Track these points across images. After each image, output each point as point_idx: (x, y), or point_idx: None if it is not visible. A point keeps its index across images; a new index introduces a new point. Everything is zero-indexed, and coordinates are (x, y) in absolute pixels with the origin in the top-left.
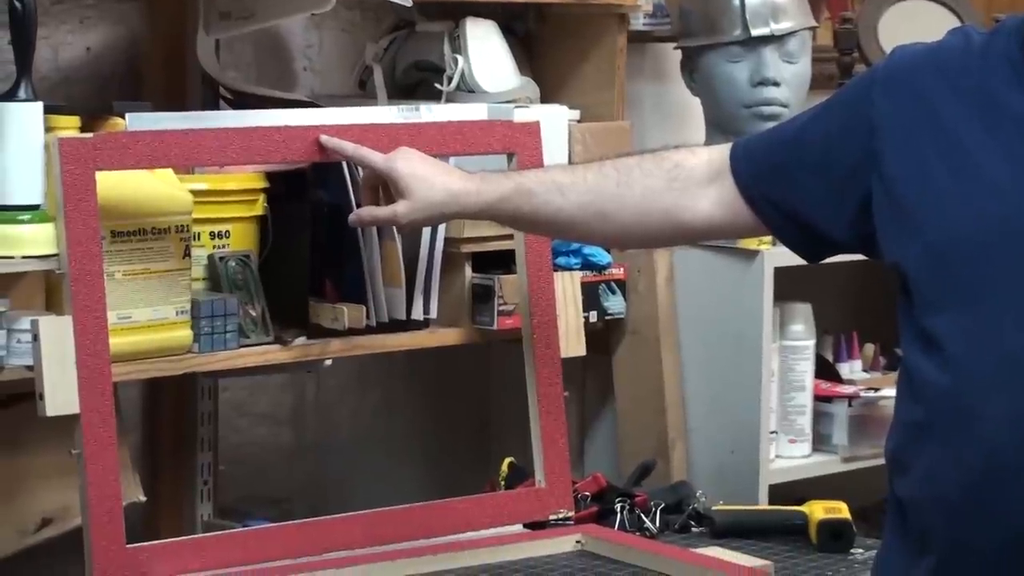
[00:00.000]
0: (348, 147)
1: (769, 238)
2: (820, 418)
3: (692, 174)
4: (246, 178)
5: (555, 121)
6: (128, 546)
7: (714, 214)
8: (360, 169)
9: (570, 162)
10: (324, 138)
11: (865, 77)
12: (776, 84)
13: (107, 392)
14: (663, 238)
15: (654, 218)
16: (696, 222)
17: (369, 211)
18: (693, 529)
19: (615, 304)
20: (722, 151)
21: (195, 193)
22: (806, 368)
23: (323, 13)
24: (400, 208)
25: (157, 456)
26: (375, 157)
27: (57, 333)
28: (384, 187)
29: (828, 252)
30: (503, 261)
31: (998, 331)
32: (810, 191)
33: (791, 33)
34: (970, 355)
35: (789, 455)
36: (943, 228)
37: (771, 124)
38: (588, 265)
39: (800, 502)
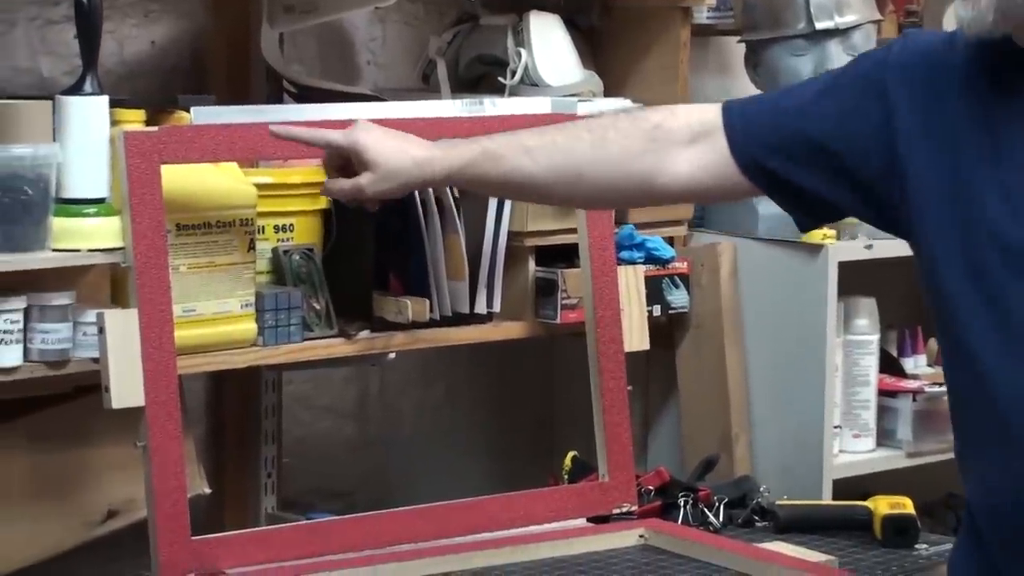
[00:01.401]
0: (303, 132)
1: (834, 232)
2: (884, 413)
3: (671, 135)
4: (310, 171)
5: None
6: (193, 538)
7: (694, 176)
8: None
9: None
10: (275, 128)
11: (877, 58)
12: None
13: (172, 385)
14: (637, 199)
15: (631, 180)
16: (674, 184)
17: (333, 182)
18: (757, 524)
19: (679, 298)
20: (707, 112)
21: (259, 186)
22: (870, 363)
23: (387, 7)
24: (363, 180)
25: (221, 449)
26: (334, 134)
27: (123, 326)
28: (349, 164)
29: (828, 219)
30: (566, 255)
31: None
32: (818, 165)
33: (856, 26)
34: (1006, 368)
35: (853, 450)
36: (971, 231)
37: None
38: (651, 259)
39: (864, 497)
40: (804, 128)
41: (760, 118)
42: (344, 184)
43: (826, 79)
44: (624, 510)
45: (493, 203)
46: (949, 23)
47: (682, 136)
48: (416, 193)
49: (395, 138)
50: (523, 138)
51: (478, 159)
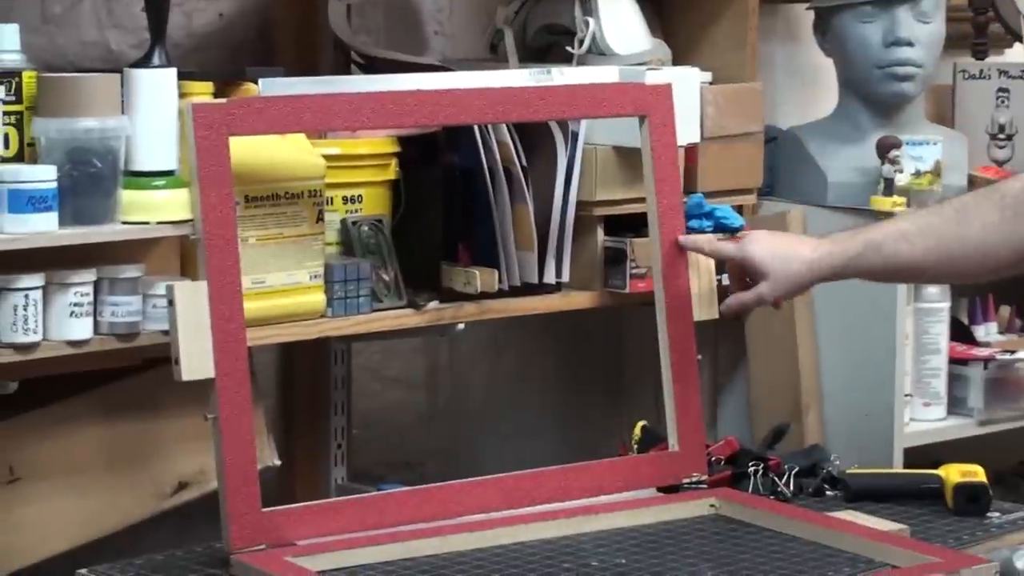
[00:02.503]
0: (703, 243)
1: (903, 199)
2: (955, 381)
3: (1020, 197)
4: (378, 143)
5: (687, 83)
6: (263, 509)
7: None
8: (492, 132)
9: (701, 125)
10: (682, 239)
11: None
12: (910, 44)
13: (242, 356)
14: (1010, 267)
15: (998, 251)
16: None
17: (736, 299)
18: (827, 493)
19: None
20: None
21: (328, 158)
22: (941, 331)
23: None
24: (763, 289)
25: (291, 420)
26: (728, 248)
27: (192, 298)
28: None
29: None
30: (635, 224)
31: None
32: None
33: None
34: None
35: (924, 418)
36: None
37: (905, 85)
38: (720, 228)
39: (935, 465)
40: None
41: None
42: (746, 298)
43: None
44: (694, 480)
45: (561, 172)
46: None
47: None
48: (484, 162)
49: (784, 244)
50: (899, 224)
51: (863, 251)
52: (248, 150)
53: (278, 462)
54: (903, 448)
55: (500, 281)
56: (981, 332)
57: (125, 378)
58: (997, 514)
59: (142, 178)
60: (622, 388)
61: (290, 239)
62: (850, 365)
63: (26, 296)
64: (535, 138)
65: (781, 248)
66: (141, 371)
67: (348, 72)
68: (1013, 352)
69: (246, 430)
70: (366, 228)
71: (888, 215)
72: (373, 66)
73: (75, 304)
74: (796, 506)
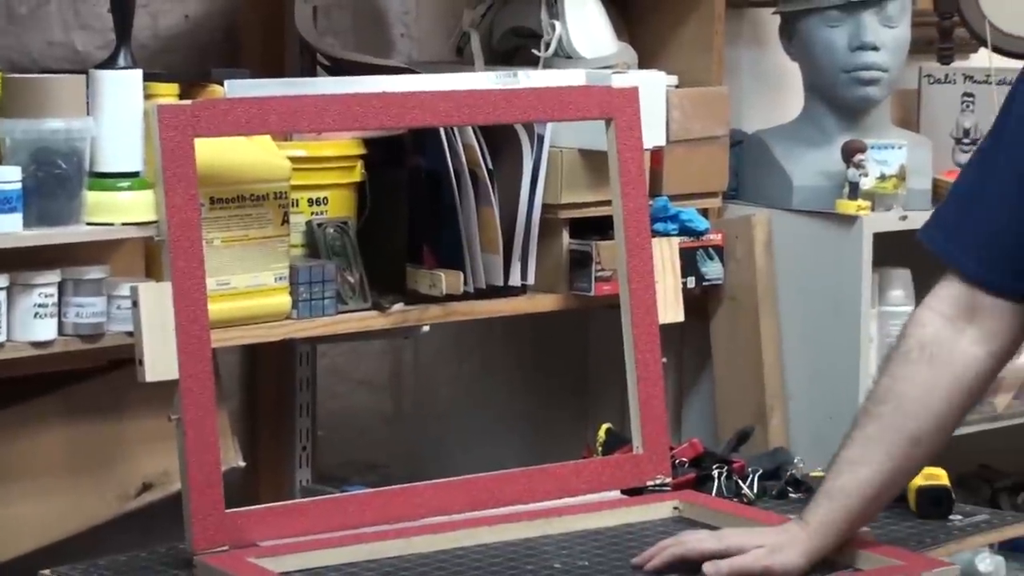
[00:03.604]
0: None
1: (868, 203)
2: None
3: (939, 340)
4: (344, 145)
5: (653, 87)
6: (227, 511)
7: (991, 347)
8: (458, 135)
9: (667, 129)
10: (709, 571)
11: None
12: (875, 48)
13: (206, 358)
14: (971, 404)
15: (949, 403)
16: (985, 368)
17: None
18: (791, 495)
19: (713, 270)
20: (948, 289)
21: (293, 160)
22: None
23: None
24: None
25: (256, 422)
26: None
27: (156, 299)
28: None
29: None
30: (600, 227)
31: None
32: None
33: None
34: None
35: None
36: None
37: (870, 89)
38: (686, 231)
39: None
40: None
41: (1005, 249)
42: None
43: (989, 143)
44: (658, 482)
45: (527, 175)
46: None
47: (948, 333)
48: (450, 164)
49: (787, 549)
50: (843, 455)
51: (832, 507)
52: (213, 152)
53: (242, 463)
54: None
55: (465, 283)
56: None
57: (89, 379)
58: (959, 517)
59: (107, 179)
60: (587, 390)
61: (255, 241)
62: (814, 368)
63: None
64: (501, 141)
65: (791, 557)
66: (105, 372)
67: (314, 74)
68: None
69: (210, 431)
70: (331, 230)
71: (853, 219)
72: (339, 68)
73: (39, 305)
74: (760, 509)
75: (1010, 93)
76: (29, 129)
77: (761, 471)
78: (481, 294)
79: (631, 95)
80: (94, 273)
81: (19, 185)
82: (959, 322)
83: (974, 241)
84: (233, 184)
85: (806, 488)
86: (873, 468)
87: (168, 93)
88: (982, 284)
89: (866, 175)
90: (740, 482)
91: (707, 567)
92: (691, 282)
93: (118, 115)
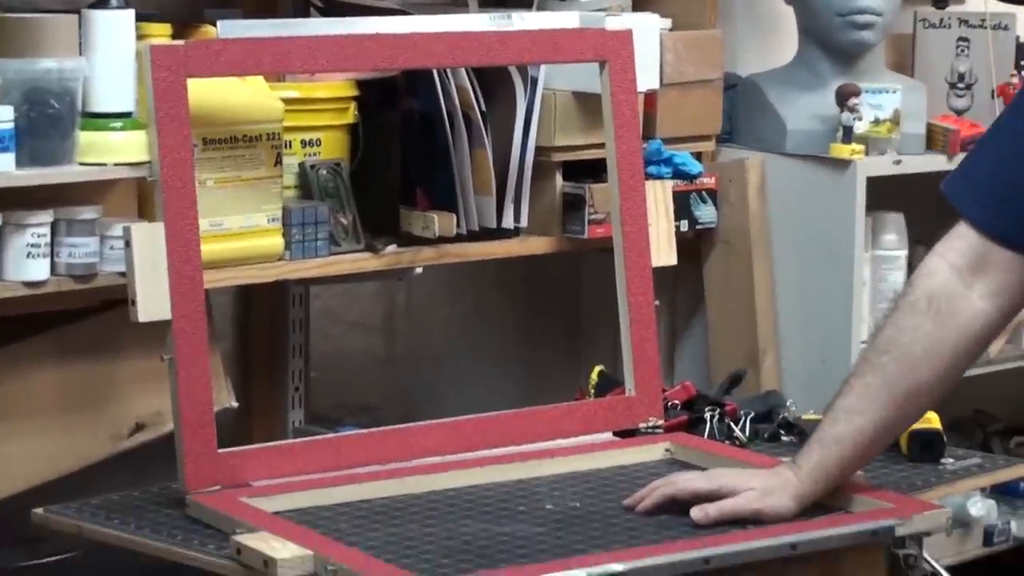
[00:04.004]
0: (724, 516)
1: (862, 147)
2: None
3: (949, 294)
4: (337, 86)
5: (647, 30)
6: (220, 451)
7: (999, 302)
8: (452, 77)
9: (660, 72)
10: (697, 515)
11: None
12: None
13: (199, 298)
14: (972, 360)
15: (952, 358)
16: (991, 323)
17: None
18: (783, 438)
19: (706, 213)
20: (958, 240)
21: (286, 101)
22: (898, 278)
23: None
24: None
25: (249, 363)
26: (741, 507)
27: (149, 240)
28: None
29: None
30: (594, 170)
31: None
32: None
33: None
34: None
35: None
36: None
37: (865, 33)
38: (679, 174)
39: None
40: None
41: (1019, 201)
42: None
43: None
44: (650, 424)
45: (520, 117)
46: None
47: (957, 286)
48: (443, 107)
49: (778, 492)
50: (841, 403)
51: (826, 453)
52: (206, 92)
53: (235, 404)
54: None
55: (458, 225)
56: None
57: (82, 319)
58: (951, 461)
59: (100, 119)
60: (580, 333)
61: (248, 182)
62: (807, 312)
63: None
64: (494, 83)
65: (778, 500)
66: (98, 312)
67: (307, 15)
68: None
69: (202, 371)
70: (324, 172)
71: (847, 163)
72: (332, 9)
73: (32, 245)
74: (751, 451)
75: None
76: (22, 69)
77: (753, 414)
78: (474, 236)
79: (625, 37)
80: (87, 213)
81: (11, 125)
82: (968, 275)
83: (990, 194)
84: (226, 125)
85: (798, 431)
86: (869, 418)
87: (161, 33)
88: (996, 237)
89: (860, 119)
90: (732, 425)
91: (695, 512)
92: (684, 225)
93: (111, 55)
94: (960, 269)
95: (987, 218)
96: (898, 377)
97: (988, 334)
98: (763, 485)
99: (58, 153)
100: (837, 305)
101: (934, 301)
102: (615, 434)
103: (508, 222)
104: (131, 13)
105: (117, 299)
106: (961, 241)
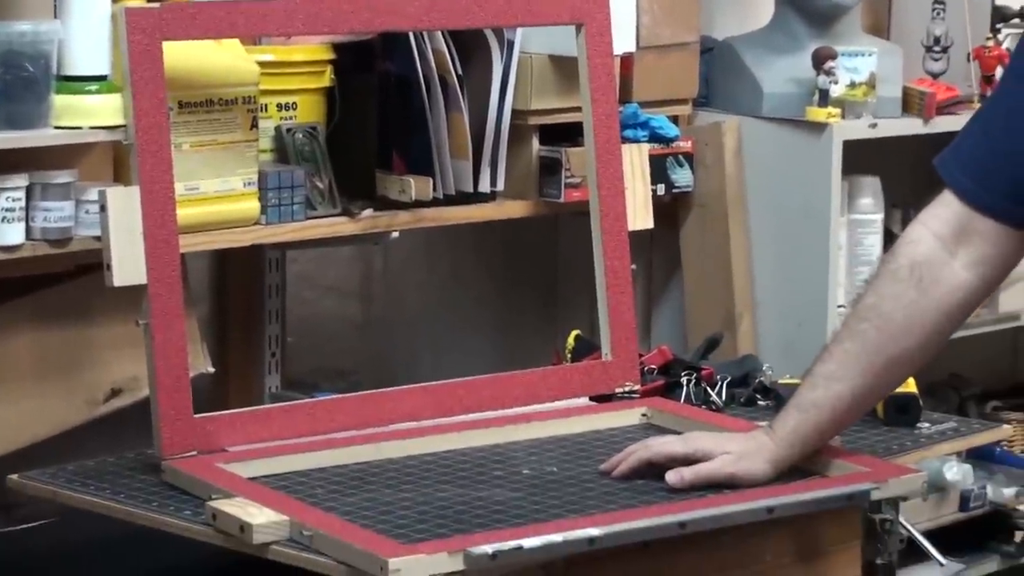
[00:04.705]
0: (698, 480)
1: (838, 111)
2: None
3: (932, 262)
4: (313, 49)
5: None
6: (196, 416)
7: (981, 272)
8: (428, 40)
9: (637, 35)
10: (672, 479)
11: None
12: None
13: (174, 263)
14: (953, 329)
15: (937, 324)
16: (972, 293)
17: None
18: (759, 403)
19: (683, 177)
20: (943, 208)
21: (262, 64)
22: (874, 242)
23: None
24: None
25: (225, 328)
26: (717, 472)
27: (125, 204)
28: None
29: None
30: (570, 134)
31: None
32: None
33: None
34: None
35: None
36: None
37: None
38: (656, 138)
39: None
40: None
41: (1002, 170)
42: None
43: (1007, 82)
44: (627, 389)
45: (497, 81)
46: None
47: (940, 255)
48: (419, 70)
49: (753, 456)
50: (818, 370)
51: (803, 418)
52: (182, 55)
53: (211, 369)
54: None
55: (435, 189)
56: None
57: (57, 284)
58: (927, 425)
59: (75, 83)
60: (557, 297)
61: (224, 146)
62: (783, 275)
63: None
64: (471, 46)
65: (754, 464)
66: (73, 277)
67: None
68: None
69: (178, 336)
70: (300, 135)
71: (823, 126)
72: None
73: (7, 209)
74: (728, 415)
75: None
76: None
77: (729, 378)
78: (450, 200)
79: (601, 1)
80: (62, 177)
81: None
82: (952, 244)
83: (974, 163)
84: (202, 88)
85: (774, 395)
86: (848, 384)
87: None
88: (980, 206)
89: (836, 82)
90: (708, 389)
91: (670, 476)
92: (660, 189)
93: (85, 18)
94: (943, 238)
95: (971, 187)
96: (878, 344)
97: (970, 303)
98: (739, 449)
99: (33, 116)
100: (813, 269)
101: (916, 269)
102: (592, 399)
103: (484, 186)
104: None
105: (92, 263)
106: (945, 210)
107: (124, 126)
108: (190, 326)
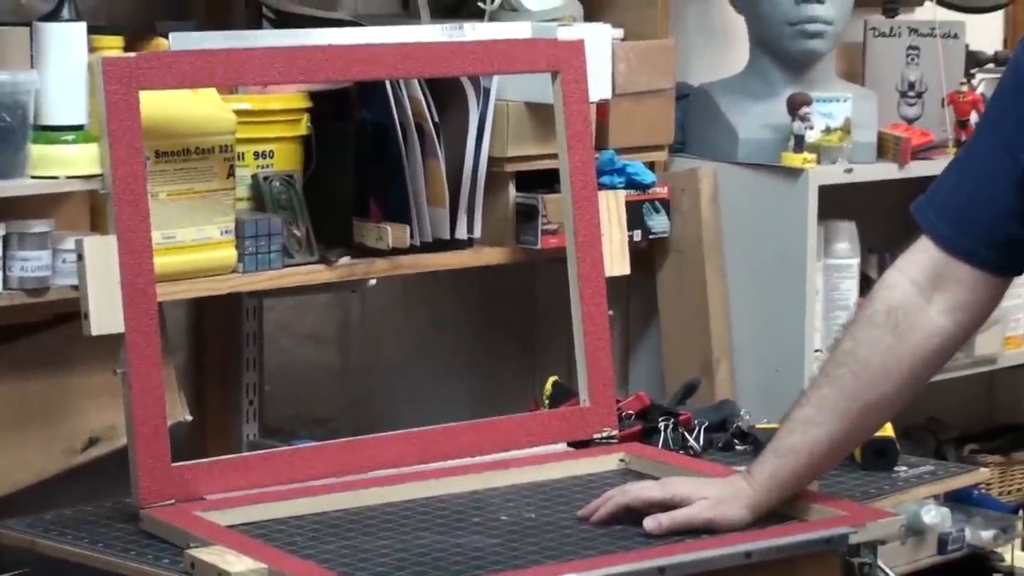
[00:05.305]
0: (676, 525)
1: (814, 156)
2: None
3: (907, 306)
4: (290, 98)
5: (599, 39)
6: (173, 464)
7: (957, 318)
8: (404, 88)
9: (613, 82)
10: (650, 525)
11: (1012, 75)
12: (820, 1)
13: (152, 311)
14: (929, 376)
15: (909, 373)
16: (949, 338)
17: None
18: (737, 448)
19: (659, 223)
20: (919, 255)
21: (239, 113)
22: (851, 287)
23: None
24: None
25: (203, 376)
26: (694, 518)
27: (102, 253)
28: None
29: None
30: (547, 180)
31: None
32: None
33: None
34: None
35: None
36: None
37: (815, 42)
38: (632, 184)
39: None
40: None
41: (978, 216)
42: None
43: (985, 124)
44: (605, 435)
45: (473, 128)
46: None
47: (917, 300)
48: (396, 118)
49: (731, 501)
50: (797, 414)
51: (780, 463)
52: (158, 105)
53: (189, 417)
54: None
55: (412, 237)
56: None
57: (35, 333)
58: (904, 468)
59: (52, 132)
60: (534, 344)
61: (201, 194)
62: (760, 321)
63: None
64: (447, 94)
65: (732, 510)
66: (51, 326)
67: (260, 27)
68: None
69: (156, 385)
70: (277, 184)
71: (799, 172)
72: (285, 21)
73: None
74: (705, 460)
75: (1004, 74)
76: None
77: (707, 423)
78: (428, 247)
79: (577, 48)
80: (39, 227)
81: None
82: (928, 290)
83: (950, 209)
84: (178, 137)
85: (752, 440)
86: (825, 430)
87: (113, 46)
88: (956, 252)
89: (811, 128)
90: (686, 434)
91: (647, 522)
92: (637, 235)
93: (62, 68)
94: (920, 283)
95: (948, 233)
96: (855, 390)
97: (946, 349)
98: (716, 494)
99: (9, 166)
100: (790, 314)
101: (892, 314)
102: (569, 444)
103: (461, 233)
104: (83, 26)
105: (70, 313)
106: (922, 255)
107: (101, 175)
108: (168, 375)
